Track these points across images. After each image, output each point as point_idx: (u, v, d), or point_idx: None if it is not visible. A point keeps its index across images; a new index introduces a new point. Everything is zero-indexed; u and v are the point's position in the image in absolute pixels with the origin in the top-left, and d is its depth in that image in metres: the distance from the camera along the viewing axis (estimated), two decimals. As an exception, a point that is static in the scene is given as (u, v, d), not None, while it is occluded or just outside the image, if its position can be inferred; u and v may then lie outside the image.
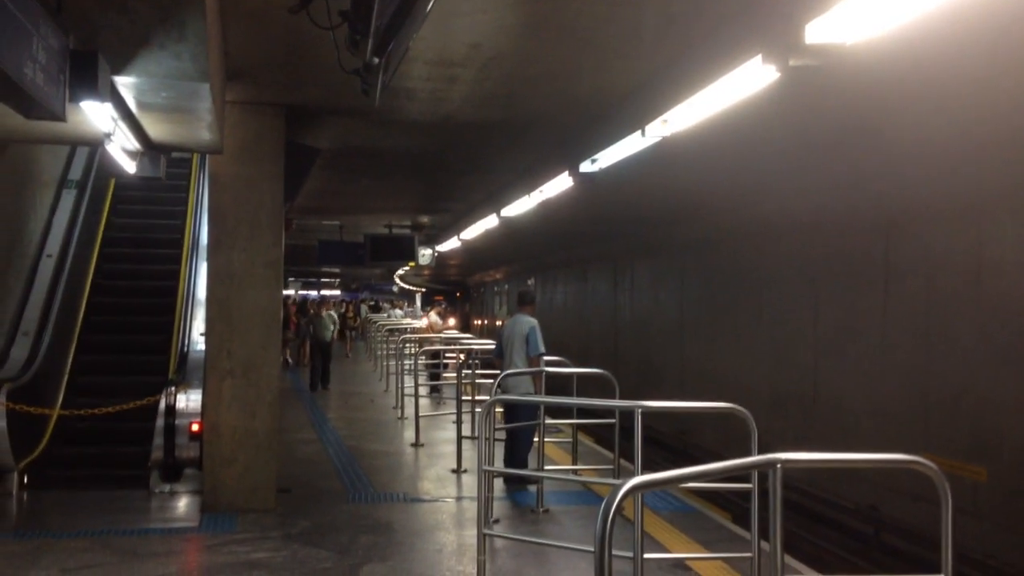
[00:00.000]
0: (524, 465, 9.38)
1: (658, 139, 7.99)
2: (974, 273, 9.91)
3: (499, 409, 10.56)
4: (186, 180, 14.24)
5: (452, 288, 57.35)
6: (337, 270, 46.67)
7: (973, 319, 9.90)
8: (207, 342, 8.72)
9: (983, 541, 9.35)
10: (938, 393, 10.41)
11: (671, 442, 17.29)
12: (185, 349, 10.82)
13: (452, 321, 35.92)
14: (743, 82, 6.01)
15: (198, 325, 10.97)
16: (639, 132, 7.93)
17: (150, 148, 7.61)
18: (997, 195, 9.53)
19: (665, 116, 7.37)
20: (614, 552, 3.30)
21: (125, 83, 5.47)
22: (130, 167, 7.80)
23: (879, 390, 11.53)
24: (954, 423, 10.10)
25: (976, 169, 9.45)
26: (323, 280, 57.11)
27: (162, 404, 9.47)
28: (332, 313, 21.07)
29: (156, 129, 6.98)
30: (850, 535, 11.59)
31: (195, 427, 9.17)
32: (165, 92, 5.78)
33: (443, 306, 24.42)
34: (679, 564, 6.77)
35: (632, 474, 4.84)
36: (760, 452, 4.73)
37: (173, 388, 9.58)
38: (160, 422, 9.38)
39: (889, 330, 11.40)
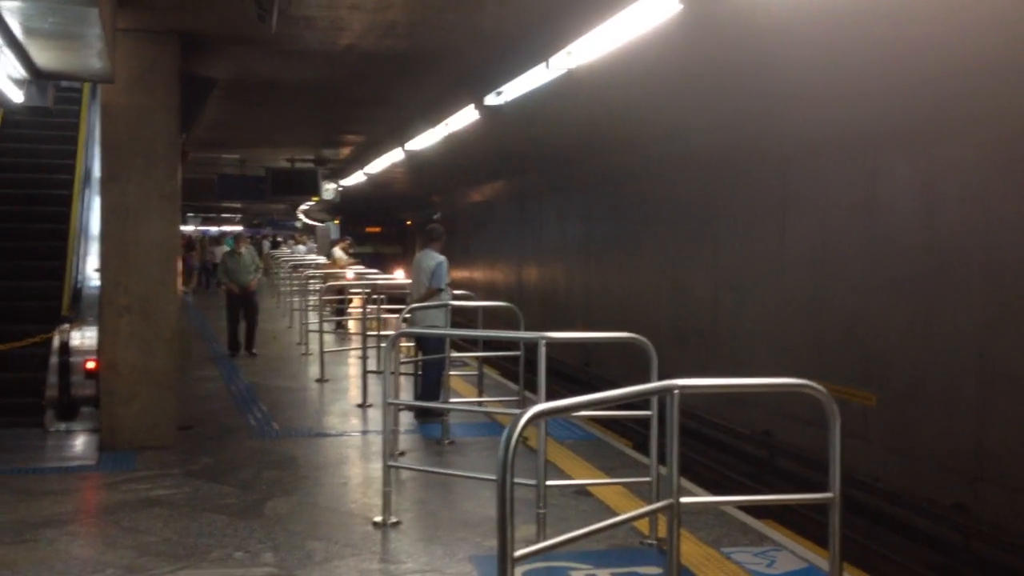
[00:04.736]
0: (435, 398, 9.41)
1: (563, 72, 7.98)
2: (866, 206, 10.21)
3: (410, 343, 10.58)
4: (77, 107, 13.67)
5: (394, 212, 32.79)
6: (238, 205, 45.66)
7: (864, 250, 10.22)
8: (102, 278, 8.49)
9: (871, 464, 9.78)
10: (831, 322, 10.77)
11: (576, 374, 17.57)
12: (79, 285, 10.51)
13: (400, 274, 20.55)
14: (646, 14, 6.02)
15: (92, 261, 10.65)
16: (544, 64, 7.92)
17: (38, 76, 7.34)
18: (889, 130, 9.80)
19: (569, 48, 7.35)
20: (518, 480, 3.37)
21: (9, 7, 5.22)
22: (17, 96, 7.51)
23: (774, 321, 11.87)
24: (846, 351, 10.48)
25: (870, 104, 9.68)
26: (224, 216, 55.79)
27: (56, 341, 9.21)
28: (252, 250, 15.79)
29: (43, 56, 6.71)
30: (745, 459, 12.00)
31: (91, 365, 8.95)
32: (52, 17, 5.56)
33: (348, 240, 24.06)
34: (581, 490, 6.91)
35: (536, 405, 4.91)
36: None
37: (67, 325, 9.32)
38: (54, 360, 9.13)
39: (785, 261, 11.70)
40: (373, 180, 21.92)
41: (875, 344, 10.02)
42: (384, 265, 24.98)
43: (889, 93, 9.26)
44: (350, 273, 17.83)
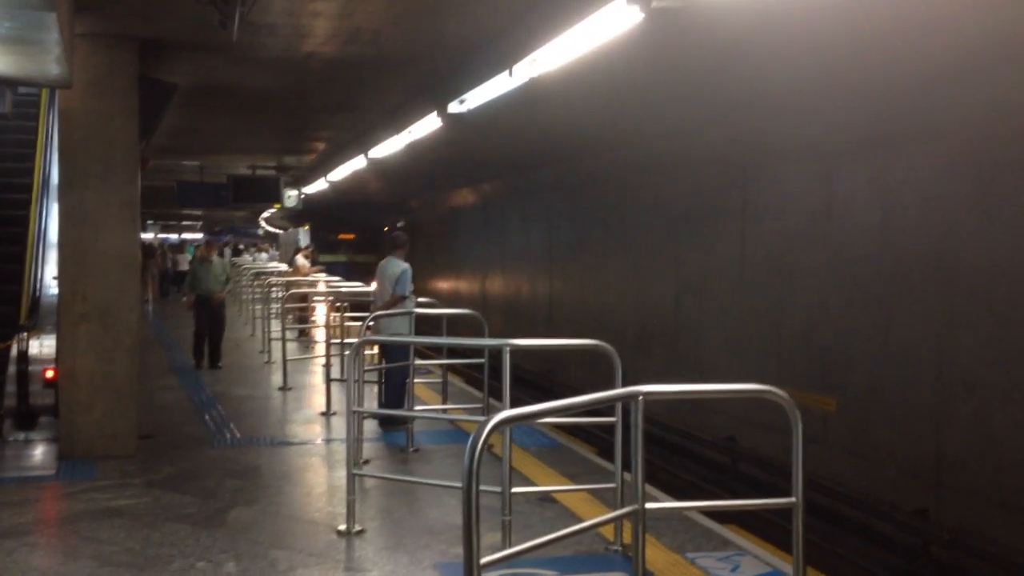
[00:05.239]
0: (399, 406, 9.38)
1: (526, 80, 7.99)
2: (825, 213, 10.33)
3: (374, 351, 10.54)
4: (35, 117, 13.47)
5: (368, 218, 29.45)
6: (199, 212, 45.31)
7: (824, 257, 10.33)
8: (60, 286, 8.39)
9: (832, 468, 9.88)
10: (791, 328, 10.87)
11: (539, 381, 17.58)
12: (37, 294, 10.37)
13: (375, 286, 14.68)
14: (609, 23, 6.05)
15: (51, 269, 10.51)
16: (507, 72, 7.93)
17: (-6, 82, 7.25)
18: (847, 139, 9.92)
19: (533, 56, 7.37)
20: (483, 487, 3.37)
21: (-35, 13, 5.15)
22: (-28, 101, 7.41)
23: (736, 327, 11.96)
24: (806, 357, 10.58)
25: (829, 112, 9.80)
26: (184, 223, 55.30)
27: (14, 350, 9.09)
28: (223, 260, 15.03)
29: (0, 62, 6.61)
30: (709, 466, 12.07)
31: (50, 373, 8.84)
32: (9, 22, 5.49)
33: (310, 247, 23.91)
34: (546, 497, 6.92)
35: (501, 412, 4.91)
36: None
37: (25, 334, 9.20)
38: (12, 369, 9.01)
39: (745, 269, 11.81)
40: (341, 186, 21.81)
41: (835, 350, 10.13)
42: (359, 275, 22.29)
43: (848, 102, 9.38)
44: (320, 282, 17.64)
